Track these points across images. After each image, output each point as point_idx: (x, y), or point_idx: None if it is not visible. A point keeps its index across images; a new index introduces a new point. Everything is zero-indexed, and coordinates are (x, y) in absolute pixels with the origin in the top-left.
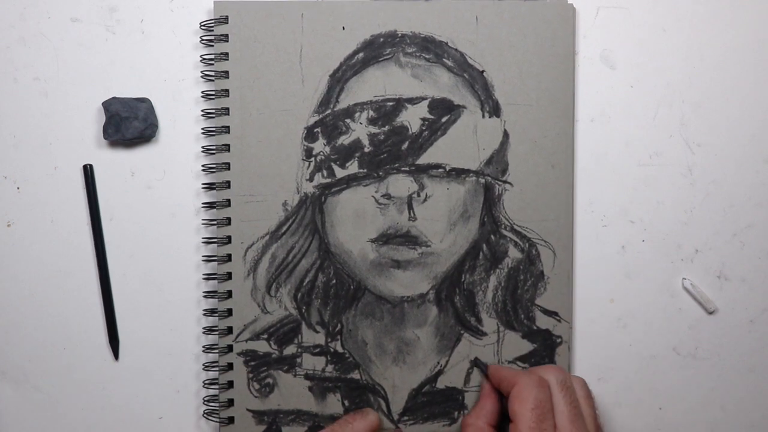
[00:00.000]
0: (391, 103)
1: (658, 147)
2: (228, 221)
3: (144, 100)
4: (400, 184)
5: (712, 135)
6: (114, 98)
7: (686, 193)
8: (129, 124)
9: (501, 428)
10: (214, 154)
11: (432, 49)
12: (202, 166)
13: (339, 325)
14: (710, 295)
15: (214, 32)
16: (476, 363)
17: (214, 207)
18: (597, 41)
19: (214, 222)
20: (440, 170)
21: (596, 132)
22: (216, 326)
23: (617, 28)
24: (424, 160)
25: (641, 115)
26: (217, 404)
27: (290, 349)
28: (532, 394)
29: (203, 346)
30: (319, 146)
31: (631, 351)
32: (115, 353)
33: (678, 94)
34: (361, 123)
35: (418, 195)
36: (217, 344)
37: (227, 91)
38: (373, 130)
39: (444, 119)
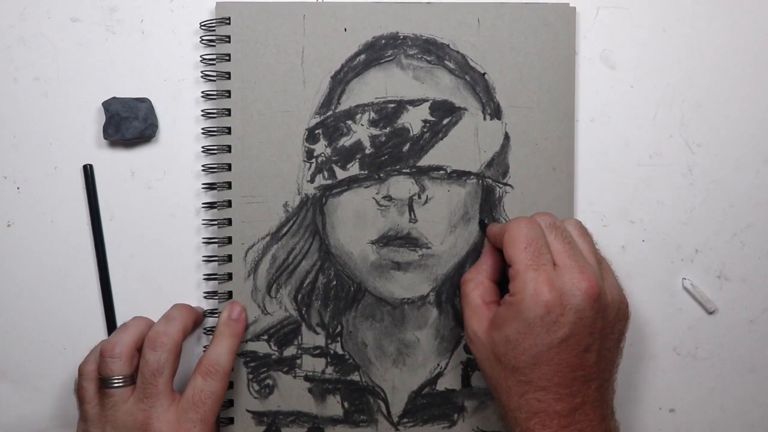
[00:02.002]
0: (392, 105)
1: (658, 147)
2: (229, 222)
3: (144, 100)
4: (401, 185)
5: (712, 135)
6: (114, 98)
7: (686, 193)
8: (129, 124)
9: (502, 286)
10: (214, 154)
11: (433, 51)
12: (203, 166)
13: (339, 326)
14: (710, 295)
15: (216, 33)
16: (481, 223)
17: (215, 207)
18: (597, 41)
19: (215, 222)
20: (441, 172)
21: (596, 132)
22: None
23: (617, 28)
24: (425, 162)
25: (641, 115)
26: None
27: (290, 351)
28: (522, 233)
29: (204, 347)
30: (320, 148)
31: (631, 351)
32: None
33: (678, 94)
34: (362, 125)
35: (419, 197)
36: None
37: (228, 92)
38: (375, 131)
39: (445, 121)
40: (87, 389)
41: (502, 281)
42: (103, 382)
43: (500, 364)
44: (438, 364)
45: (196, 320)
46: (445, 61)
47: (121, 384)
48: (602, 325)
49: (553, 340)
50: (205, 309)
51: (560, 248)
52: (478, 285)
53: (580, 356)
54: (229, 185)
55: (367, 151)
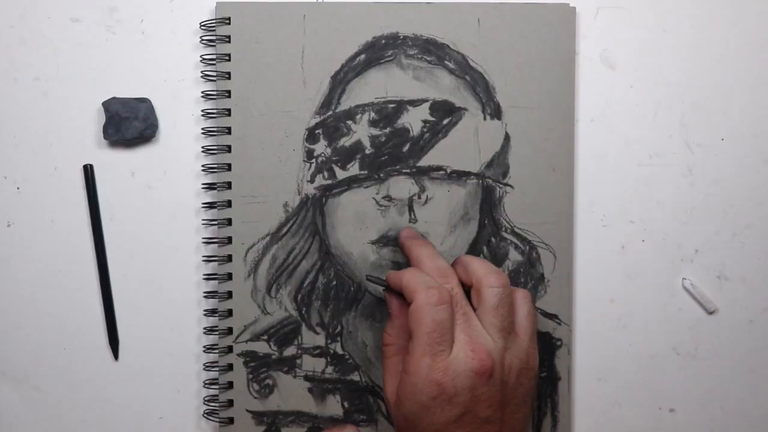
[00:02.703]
0: (392, 105)
1: (658, 147)
2: (229, 222)
3: (144, 100)
4: (401, 186)
5: (712, 135)
6: (114, 98)
7: (686, 193)
8: (129, 124)
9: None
10: (214, 154)
11: (434, 51)
12: (203, 166)
13: (339, 326)
14: (710, 295)
15: (216, 33)
16: (370, 279)
17: (215, 207)
18: (597, 42)
19: (215, 222)
20: (441, 172)
21: (596, 132)
22: (216, 327)
23: (617, 28)
24: (425, 162)
25: (641, 115)
26: (217, 404)
27: (290, 351)
28: (429, 317)
29: (203, 347)
30: (321, 148)
31: (631, 351)
32: (115, 353)
33: (678, 94)
34: (362, 125)
35: (419, 197)
36: (217, 344)
37: (228, 92)
38: (375, 131)
39: (445, 121)
40: None
41: None
42: None
43: (410, 423)
44: None
45: None
46: (446, 61)
47: None
48: (501, 396)
49: (450, 418)
50: (205, 308)
51: (459, 322)
52: (399, 351)
53: (479, 428)
54: (229, 185)
55: (367, 151)
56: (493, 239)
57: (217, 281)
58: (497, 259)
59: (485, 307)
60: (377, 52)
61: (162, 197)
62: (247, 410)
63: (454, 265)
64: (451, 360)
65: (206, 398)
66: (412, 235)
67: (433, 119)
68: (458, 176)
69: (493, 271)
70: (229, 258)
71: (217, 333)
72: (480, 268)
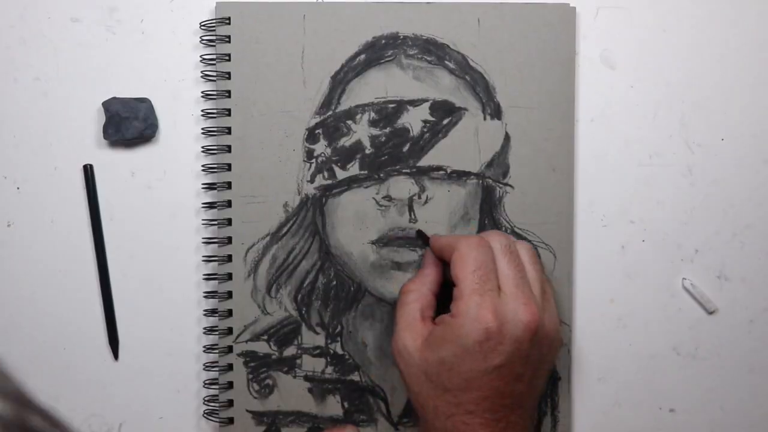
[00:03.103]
0: (392, 105)
1: (658, 147)
2: (229, 222)
3: (144, 100)
4: (401, 186)
5: (712, 135)
6: (114, 98)
7: (686, 193)
8: (129, 124)
9: (442, 299)
10: (214, 154)
11: (434, 51)
12: (203, 166)
13: (339, 326)
14: (710, 295)
15: (216, 33)
16: (419, 234)
17: (215, 207)
18: (597, 42)
19: (215, 222)
20: (441, 172)
21: (596, 132)
22: (216, 326)
23: (617, 28)
24: (425, 162)
25: (641, 115)
26: (217, 404)
27: (290, 351)
28: (472, 256)
29: (203, 347)
30: (321, 148)
31: (631, 351)
32: (115, 353)
33: (678, 94)
34: (362, 125)
35: (419, 197)
36: (217, 344)
37: (228, 92)
38: (375, 131)
39: (445, 121)
40: None
41: (442, 295)
42: None
43: (430, 383)
44: None
45: None
46: (446, 61)
47: None
48: (537, 357)
49: (488, 367)
50: (205, 308)
51: (510, 274)
52: (419, 298)
53: (511, 384)
54: (229, 185)
55: (367, 151)
56: None
57: (217, 281)
58: None
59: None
60: (377, 52)
61: (162, 197)
62: (247, 410)
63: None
64: (500, 303)
65: (206, 398)
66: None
67: (433, 119)
68: (458, 176)
69: (502, 234)
70: (229, 258)
71: (217, 333)
72: (491, 234)
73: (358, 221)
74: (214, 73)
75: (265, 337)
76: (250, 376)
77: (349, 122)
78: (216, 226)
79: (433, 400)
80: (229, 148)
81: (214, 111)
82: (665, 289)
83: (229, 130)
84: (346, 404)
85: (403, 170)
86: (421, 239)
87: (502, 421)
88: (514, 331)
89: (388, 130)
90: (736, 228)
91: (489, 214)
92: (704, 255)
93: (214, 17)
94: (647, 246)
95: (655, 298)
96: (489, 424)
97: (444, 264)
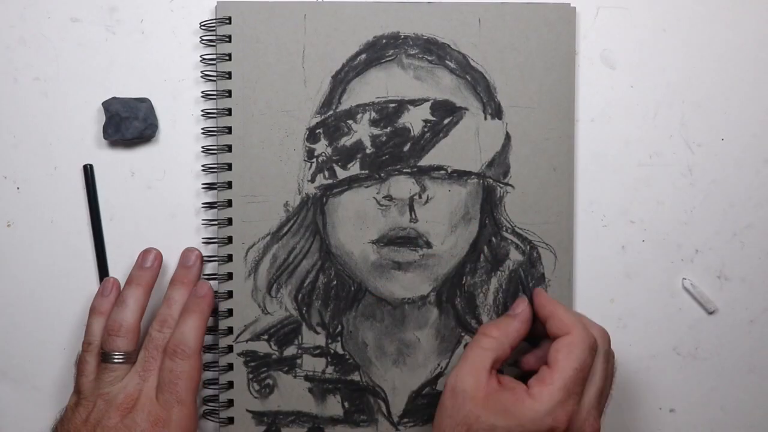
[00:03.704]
0: (393, 105)
1: (658, 147)
2: (229, 221)
3: (144, 100)
4: (402, 185)
5: (712, 135)
6: (114, 98)
7: (686, 193)
8: (129, 124)
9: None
10: (214, 154)
11: (434, 50)
12: (203, 166)
13: (339, 326)
14: (710, 295)
15: (217, 33)
16: (520, 281)
17: (215, 207)
18: (597, 41)
19: (215, 222)
20: (442, 172)
21: (596, 132)
22: (216, 326)
23: (617, 28)
24: (425, 161)
25: (641, 115)
26: (217, 404)
27: (290, 350)
28: (583, 355)
29: (204, 346)
30: (321, 147)
31: (631, 351)
32: None
33: (678, 94)
34: (363, 124)
35: (420, 197)
36: (217, 344)
37: (229, 91)
38: (375, 131)
39: (446, 121)
40: (89, 363)
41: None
42: (105, 357)
43: None
44: (438, 364)
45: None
46: (446, 61)
47: (122, 360)
48: None
49: None
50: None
51: (599, 384)
52: (497, 348)
53: None
54: (229, 185)
55: (368, 151)
56: (493, 239)
57: (217, 281)
58: (498, 259)
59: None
60: (378, 51)
61: (162, 197)
62: (247, 410)
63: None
64: (577, 411)
65: (206, 398)
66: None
67: (433, 119)
68: (459, 176)
69: (606, 336)
70: (230, 258)
71: (217, 333)
72: (599, 333)
73: (358, 221)
74: (214, 73)
75: (266, 337)
76: (251, 376)
77: (350, 122)
78: (216, 226)
79: None
80: (229, 148)
81: (214, 111)
82: (665, 289)
83: (229, 130)
84: (346, 404)
85: (404, 170)
86: (523, 287)
87: None
88: None
89: (388, 129)
90: (736, 228)
91: (489, 213)
92: (704, 255)
93: (215, 17)
94: (647, 246)
95: (655, 298)
96: None
97: (534, 321)
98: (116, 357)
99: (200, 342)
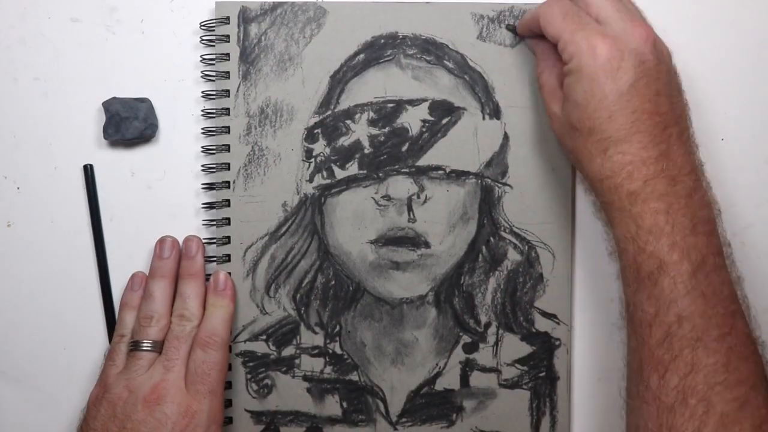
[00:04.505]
0: (391, 105)
1: None
2: (227, 221)
3: (144, 100)
4: (400, 185)
5: (712, 135)
6: (114, 98)
7: None
8: (129, 124)
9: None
10: (214, 154)
11: (433, 51)
12: (202, 166)
13: (338, 326)
14: None
15: (216, 32)
16: (509, 28)
17: (214, 207)
18: None
19: (214, 222)
20: (440, 172)
21: None
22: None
23: None
24: (424, 161)
25: None
26: None
27: (289, 350)
28: (555, 8)
29: None
30: (319, 147)
31: None
32: None
33: None
34: (361, 124)
35: (418, 196)
36: None
37: (228, 91)
38: (374, 131)
39: (444, 121)
40: (120, 352)
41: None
42: (135, 345)
43: (577, 131)
44: (437, 364)
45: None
46: (445, 61)
47: (151, 348)
48: (666, 71)
49: (621, 87)
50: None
51: (605, 4)
52: (552, 69)
53: (652, 101)
54: (228, 185)
55: (366, 151)
56: (492, 239)
57: None
58: (496, 259)
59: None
60: (376, 51)
61: (162, 197)
62: (245, 410)
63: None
64: (605, 29)
65: None
66: None
67: (432, 119)
68: (457, 176)
69: None
70: (228, 257)
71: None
72: None
73: (357, 221)
74: (214, 73)
75: (264, 337)
76: (249, 376)
77: (348, 122)
78: (215, 226)
79: (585, 146)
80: (228, 148)
81: (214, 111)
82: None
83: (228, 130)
84: (344, 404)
85: (402, 170)
86: (512, 31)
87: (661, 142)
88: (631, 44)
89: (387, 129)
90: (736, 228)
91: (488, 213)
92: None
93: (214, 17)
94: None
95: None
96: (647, 147)
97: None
98: (145, 345)
99: (229, 332)
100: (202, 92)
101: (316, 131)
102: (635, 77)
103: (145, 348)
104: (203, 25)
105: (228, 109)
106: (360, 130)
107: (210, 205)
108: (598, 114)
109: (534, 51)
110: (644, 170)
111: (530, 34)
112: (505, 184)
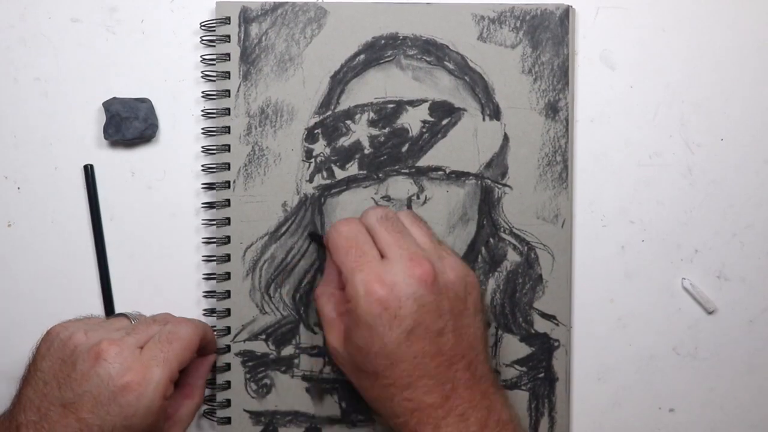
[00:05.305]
0: (391, 105)
1: (658, 147)
2: (228, 221)
3: (144, 101)
4: (400, 186)
5: (712, 135)
6: (114, 98)
7: (686, 193)
8: (129, 124)
9: None
10: (214, 154)
11: (433, 51)
12: (202, 166)
13: None
14: (710, 295)
15: (216, 33)
16: (311, 236)
17: (214, 207)
18: (596, 42)
19: (214, 222)
20: (440, 173)
21: (596, 132)
22: (215, 326)
23: (617, 28)
24: (424, 162)
25: (641, 115)
26: (215, 404)
27: (288, 350)
28: (342, 237)
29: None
30: (320, 147)
31: (631, 351)
32: None
33: (678, 94)
34: (361, 125)
35: (418, 197)
36: None
37: (228, 91)
38: (374, 131)
39: (444, 122)
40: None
41: None
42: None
43: (363, 373)
44: None
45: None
46: (445, 62)
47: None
48: (450, 305)
49: (400, 336)
50: (204, 308)
51: (389, 240)
52: (329, 297)
53: (434, 342)
54: (228, 185)
55: (366, 151)
56: (491, 240)
57: (215, 281)
58: (496, 260)
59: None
60: (377, 52)
61: (162, 197)
62: (244, 410)
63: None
64: (384, 270)
65: (204, 397)
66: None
67: (432, 119)
68: (457, 176)
69: (375, 207)
70: (228, 257)
71: (215, 332)
72: (365, 213)
73: None
74: (214, 73)
75: (263, 337)
76: (248, 376)
77: (348, 122)
78: (215, 226)
79: (372, 389)
80: (228, 148)
81: (214, 111)
82: (665, 289)
83: (228, 130)
84: (343, 404)
85: (402, 170)
86: (315, 241)
87: (447, 382)
88: (408, 290)
89: (387, 130)
90: (736, 228)
91: (487, 214)
92: (704, 255)
93: (214, 17)
94: (647, 246)
95: (655, 298)
96: (433, 390)
97: None
98: (128, 314)
99: (200, 335)
100: (203, 92)
101: (316, 131)
102: (414, 323)
103: (129, 316)
104: (203, 26)
105: (228, 109)
106: (360, 131)
107: (210, 205)
108: (379, 361)
109: (326, 262)
110: (433, 414)
111: (329, 250)
112: (504, 185)
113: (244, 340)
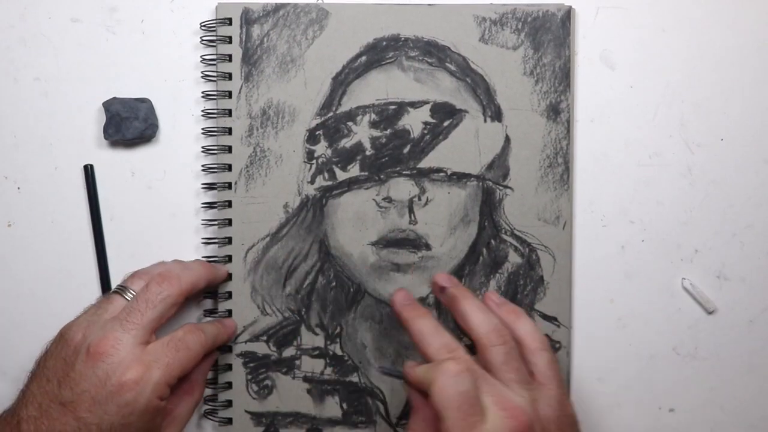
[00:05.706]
0: (393, 107)
1: (657, 147)
2: (229, 222)
3: (144, 101)
4: (401, 187)
5: (712, 135)
6: (114, 98)
7: (686, 193)
8: (129, 124)
9: None
10: (214, 154)
11: (435, 53)
12: (202, 166)
13: (338, 327)
14: (710, 295)
15: (217, 33)
16: (384, 371)
17: (215, 207)
18: (596, 42)
19: (215, 222)
20: (441, 174)
21: (596, 132)
22: None
23: (617, 28)
24: (425, 163)
25: (641, 115)
26: (216, 404)
27: (289, 351)
28: (453, 389)
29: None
30: (321, 149)
31: (631, 351)
32: None
33: (678, 94)
34: (363, 126)
35: (419, 199)
36: None
37: (229, 92)
38: (375, 133)
39: (446, 123)
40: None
41: None
42: (118, 288)
43: None
44: None
45: (211, 281)
46: (446, 64)
47: (128, 298)
48: None
49: None
50: (205, 308)
51: (480, 386)
52: (427, 424)
53: None
54: (229, 185)
55: (368, 153)
56: (492, 241)
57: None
58: (497, 262)
59: (495, 366)
60: (378, 53)
61: (162, 197)
62: (245, 411)
63: (452, 309)
64: (488, 429)
65: (205, 398)
66: (407, 301)
67: (433, 121)
68: (458, 178)
69: (492, 328)
70: (229, 258)
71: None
72: (480, 326)
73: (358, 222)
74: (215, 74)
75: (265, 338)
76: (249, 377)
77: (350, 123)
78: (216, 226)
79: None
80: (230, 149)
81: (215, 111)
82: (665, 289)
83: (230, 131)
84: (344, 405)
85: (404, 172)
86: (393, 376)
87: None
88: None
89: (388, 131)
90: (736, 228)
91: (489, 216)
92: (704, 255)
93: (215, 18)
94: (647, 246)
95: (655, 298)
96: None
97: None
98: (127, 293)
99: (192, 284)
100: (203, 92)
101: (317, 133)
102: None
103: (123, 293)
104: (204, 26)
105: (229, 110)
106: (361, 132)
107: (210, 205)
108: None
109: (412, 401)
110: None
111: (417, 388)
112: (506, 187)
113: (246, 342)
